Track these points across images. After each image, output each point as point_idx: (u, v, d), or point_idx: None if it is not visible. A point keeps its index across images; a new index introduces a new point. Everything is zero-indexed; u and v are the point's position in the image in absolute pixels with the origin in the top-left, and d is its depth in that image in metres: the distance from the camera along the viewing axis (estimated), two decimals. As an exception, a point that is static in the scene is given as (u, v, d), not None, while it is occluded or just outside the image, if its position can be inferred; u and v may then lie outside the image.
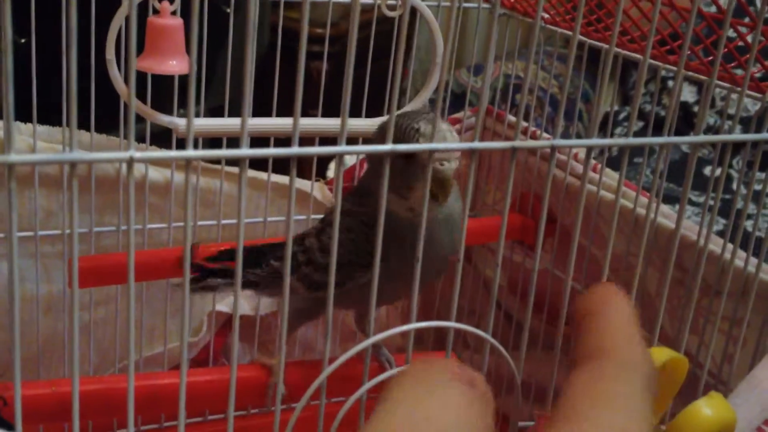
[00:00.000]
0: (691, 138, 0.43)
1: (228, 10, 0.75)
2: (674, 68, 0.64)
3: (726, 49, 0.46)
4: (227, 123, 0.58)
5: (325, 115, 0.71)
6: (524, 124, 0.82)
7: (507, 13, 0.81)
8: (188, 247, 0.34)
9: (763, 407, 0.43)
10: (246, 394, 0.57)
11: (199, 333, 0.83)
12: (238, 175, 0.84)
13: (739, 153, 1.37)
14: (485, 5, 0.83)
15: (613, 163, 0.75)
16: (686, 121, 1.59)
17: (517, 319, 0.82)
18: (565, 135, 1.54)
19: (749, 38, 0.55)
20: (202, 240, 0.81)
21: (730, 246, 0.56)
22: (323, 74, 0.77)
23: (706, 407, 0.35)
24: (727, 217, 1.14)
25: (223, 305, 0.83)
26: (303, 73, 0.34)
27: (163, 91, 0.72)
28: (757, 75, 0.59)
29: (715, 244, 0.58)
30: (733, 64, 0.58)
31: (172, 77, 0.71)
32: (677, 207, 0.44)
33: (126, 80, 0.51)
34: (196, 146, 0.69)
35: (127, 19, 0.30)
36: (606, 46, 0.71)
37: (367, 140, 0.66)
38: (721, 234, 0.58)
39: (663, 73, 0.66)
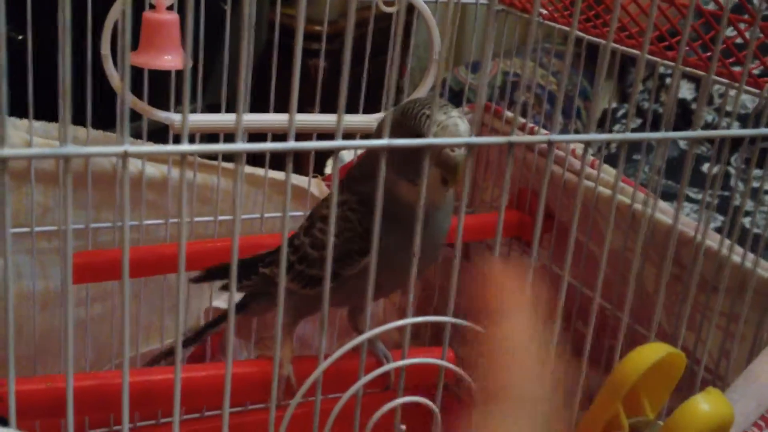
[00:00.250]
0: (689, 133, 0.43)
1: (225, 7, 0.74)
2: (672, 64, 0.64)
3: (724, 45, 0.45)
4: (224, 119, 0.58)
5: (323, 112, 0.71)
6: (522, 120, 0.82)
7: (505, 9, 0.81)
8: (183, 243, 0.33)
9: (760, 402, 0.43)
10: (243, 391, 0.56)
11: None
12: (234, 171, 0.83)
13: (737, 150, 1.37)
14: (483, 1, 0.83)
15: (611, 160, 0.75)
16: (685, 119, 1.59)
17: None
18: (564, 132, 1.54)
19: (747, 34, 0.55)
20: (199, 236, 0.81)
21: (727, 242, 0.56)
22: (320, 71, 0.77)
23: (704, 403, 0.35)
24: (725, 214, 1.14)
25: (220, 301, 0.83)
26: (299, 67, 0.34)
27: (160, 88, 0.72)
28: (755, 71, 0.59)
29: (713, 240, 0.58)
30: (731, 60, 0.58)
31: (168, 74, 0.70)
32: (675, 203, 0.44)
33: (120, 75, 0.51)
34: (192, 142, 0.69)
35: (122, 13, 0.30)
36: (604, 41, 0.71)
37: (364, 136, 0.66)
38: (719, 231, 0.58)
39: (661, 70, 0.66)
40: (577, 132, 1.65)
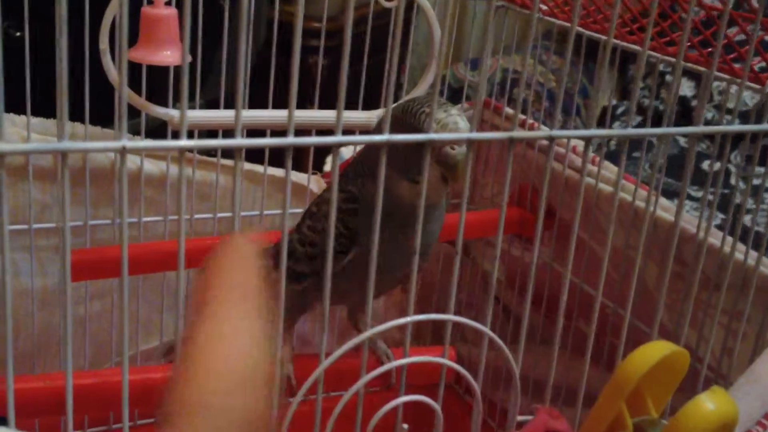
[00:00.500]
0: (690, 129, 0.42)
1: (223, 3, 0.74)
2: (673, 59, 0.63)
3: (726, 41, 0.45)
4: (223, 115, 0.57)
5: (322, 109, 0.70)
6: (522, 116, 0.81)
7: (504, 5, 0.81)
8: (182, 239, 0.33)
9: (764, 401, 0.42)
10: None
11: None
12: (233, 168, 0.83)
13: (737, 147, 1.36)
14: (483, -4, 0.82)
15: (611, 158, 0.75)
16: (685, 116, 1.59)
17: (516, 312, 0.82)
18: (564, 128, 1.53)
19: (746, 29, 0.54)
20: (198, 233, 0.80)
21: (729, 239, 0.56)
22: (319, 68, 0.77)
23: (709, 402, 0.35)
24: (725, 212, 1.13)
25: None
26: (298, 62, 0.33)
27: (159, 85, 0.71)
28: (756, 67, 0.58)
29: (715, 238, 0.58)
30: (732, 56, 0.57)
31: (167, 70, 0.70)
32: (675, 200, 0.44)
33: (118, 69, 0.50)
34: (191, 139, 0.68)
35: (120, 8, 0.30)
36: (604, 37, 0.70)
37: (364, 133, 0.66)
38: (719, 228, 0.58)
39: (660, 67, 0.65)
40: (577, 129, 1.65)
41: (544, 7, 0.77)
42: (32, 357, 0.76)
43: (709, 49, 0.59)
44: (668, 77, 1.61)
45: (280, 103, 0.70)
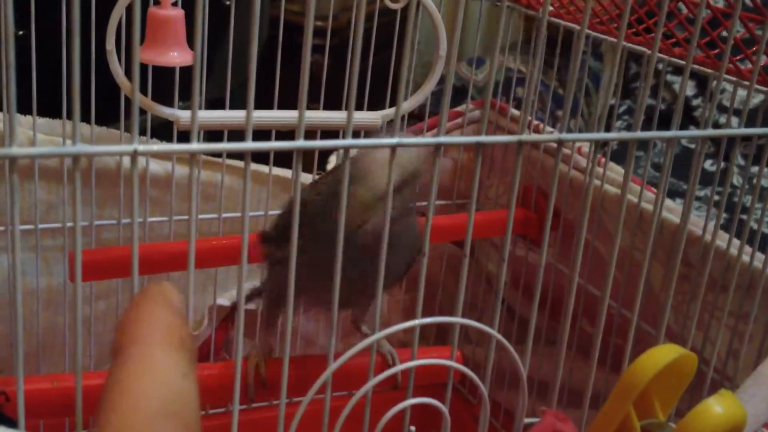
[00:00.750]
0: (697, 132, 0.42)
1: (228, 2, 0.74)
2: (678, 61, 0.63)
3: (732, 42, 0.45)
4: (230, 116, 0.57)
5: (325, 108, 0.70)
6: (527, 118, 0.81)
7: (510, 6, 0.81)
8: (193, 240, 0.33)
9: (771, 404, 0.42)
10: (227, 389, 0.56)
11: (200, 327, 0.83)
12: (238, 168, 0.83)
13: (738, 147, 1.36)
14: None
15: (614, 158, 0.75)
16: (686, 116, 1.59)
17: (519, 313, 0.82)
18: (567, 130, 1.53)
19: (753, 30, 0.54)
20: (203, 233, 0.80)
21: (736, 241, 0.56)
22: (324, 68, 0.77)
23: (717, 405, 0.35)
24: (728, 212, 1.13)
25: (224, 299, 0.83)
26: (308, 65, 0.33)
27: (163, 83, 0.71)
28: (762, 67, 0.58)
29: (721, 240, 0.58)
30: (738, 57, 0.57)
31: (172, 69, 0.70)
32: (678, 201, 0.44)
33: (128, 73, 0.50)
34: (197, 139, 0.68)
35: (129, 9, 0.30)
36: (610, 39, 0.70)
37: (369, 133, 0.66)
38: (723, 229, 0.58)
39: (659, 65, 0.65)
40: (579, 129, 1.65)
41: (550, 8, 0.77)
42: (37, 357, 0.76)
43: (716, 51, 0.59)
44: (668, 77, 1.61)
45: (282, 100, 0.70)
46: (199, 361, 0.81)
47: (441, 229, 0.76)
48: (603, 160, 0.71)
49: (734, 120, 1.15)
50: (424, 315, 0.39)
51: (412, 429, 0.40)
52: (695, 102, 1.62)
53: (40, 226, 0.74)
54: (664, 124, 0.43)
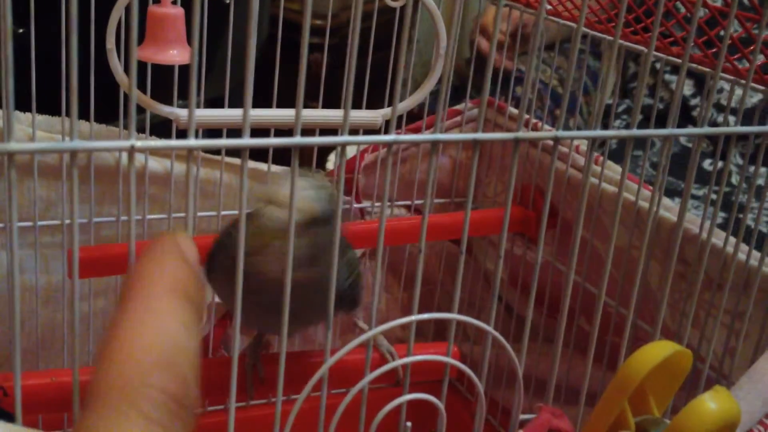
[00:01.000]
0: (694, 130, 0.43)
1: (228, 1, 0.74)
2: (676, 60, 0.63)
3: (729, 41, 0.45)
4: (228, 114, 0.58)
5: (324, 107, 0.70)
6: (525, 116, 0.81)
7: (508, 4, 0.81)
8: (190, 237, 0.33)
9: (765, 401, 0.43)
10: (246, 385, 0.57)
11: (198, 324, 0.83)
12: (237, 166, 0.83)
13: (736, 146, 1.36)
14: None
15: (612, 156, 0.75)
16: (683, 115, 1.59)
17: (517, 311, 0.82)
18: (566, 127, 1.53)
19: (750, 29, 0.54)
20: (202, 231, 0.81)
21: (732, 239, 0.56)
22: (324, 66, 0.77)
23: (711, 401, 0.35)
24: (725, 211, 1.13)
25: (223, 297, 0.83)
26: (306, 62, 0.34)
27: (162, 82, 0.72)
28: (759, 66, 0.58)
29: (717, 238, 0.58)
30: (736, 57, 0.57)
31: (172, 68, 0.70)
32: (676, 200, 0.44)
33: (127, 70, 0.51)
34: (195, 137, 0.68)
35: (128, 8, 0.30)
36: (608, 37, 0.71)
37: (368, 131, 0.66)
38: (720, 227, 0.58)
39: (658, 64, 0.66)
40: (578, 127, 1.65)
41: (549, 6, 0.77)
42: (36, 353, 0.76)
43: (714, 50, 0.59)
44: (666, 76, 1.61)
45: (282, 98, 0.70)
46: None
47: (439, 227, 0.76)
48: (601, 158, 0.71)
49: (732, 119, 1.15)
50: (423, 313, 0.39)
51: (408, 425, 0.41)
52: (693, 102, 1.62)
53: (39, 223, 0.74)
54: (663, 123, 0.43)
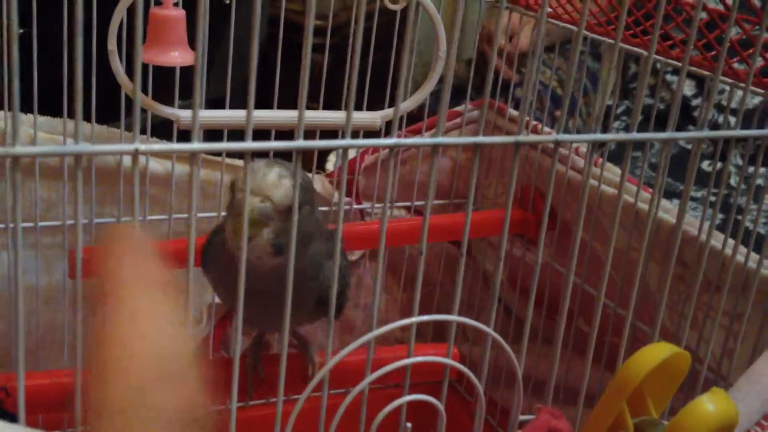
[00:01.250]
0: (694, 133, 0.43)
1: (228, 2, 0.74)
2: (676, 63, 0.64)
3: (729, 44, 0.45)
4: (230, 115, 0.58)
5: (324, 106, 0.71)
6: (526, 118, 0.82)
7: (509, 7, 0.81)
8: (192, 238, 0.34)
9: (763, 402, 0.43)
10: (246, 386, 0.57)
11: (198, 324, 0.83)
12: (238, 167, 0.83)
13: (736, 147, 1.37)
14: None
15: (611, 158, 0.75)
16: (684, 116, 1.59)
17: (517, 312, 0.82)
18: (565, 130, 1.53)
19: (749, 32, 0.55)
20: (202, 231, 0.81)
21: (731, 241, 0.56)
22: (324, 67, 0.77)
23: (709, 403, 0.35)
24: (724, 212, 1.13)
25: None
26: (308, 65, 0.34)
27: (163, 82, 0.72)
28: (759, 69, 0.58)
29: (716, 240, 0.58)
30: (735, 60, 0.58)
31: (172, 68, 0.70)
32: (675, 201, 0.44)
33: (129, 72, 0.51)
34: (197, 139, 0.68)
35: (131, 10, 0.30)
36: (608, 40, 0.71)
37: (368, 133, 0.66)
38: (719, 229, 0.58)
39: (658, 65, 0.66)
40: (578, 129, 1.65)
41: (548, 9, 0.77)
42: (36, 353, 0.76)
43: (713, 53, 0.60)
44: (667, 77, 1.62)
45: (281, 99, 0.70)
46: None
47: (438, 228, 0.76)
48: (600, 160, 0.72)
49: (732, 120, 1.15)
50: (422, 314, 0.39)
51: (408, 426, 0.41)
52: (695, 102, 1.62)
53: (40, 224, 0.74)
54: (663, 124, 0.43)
